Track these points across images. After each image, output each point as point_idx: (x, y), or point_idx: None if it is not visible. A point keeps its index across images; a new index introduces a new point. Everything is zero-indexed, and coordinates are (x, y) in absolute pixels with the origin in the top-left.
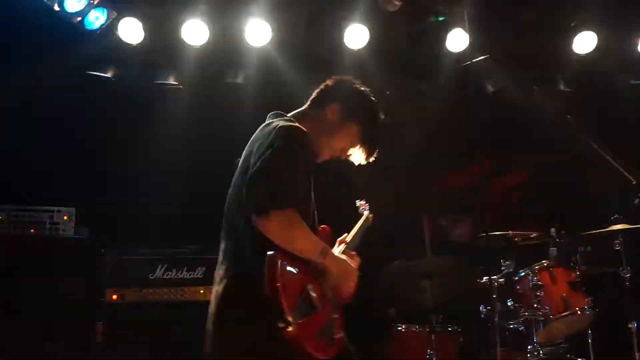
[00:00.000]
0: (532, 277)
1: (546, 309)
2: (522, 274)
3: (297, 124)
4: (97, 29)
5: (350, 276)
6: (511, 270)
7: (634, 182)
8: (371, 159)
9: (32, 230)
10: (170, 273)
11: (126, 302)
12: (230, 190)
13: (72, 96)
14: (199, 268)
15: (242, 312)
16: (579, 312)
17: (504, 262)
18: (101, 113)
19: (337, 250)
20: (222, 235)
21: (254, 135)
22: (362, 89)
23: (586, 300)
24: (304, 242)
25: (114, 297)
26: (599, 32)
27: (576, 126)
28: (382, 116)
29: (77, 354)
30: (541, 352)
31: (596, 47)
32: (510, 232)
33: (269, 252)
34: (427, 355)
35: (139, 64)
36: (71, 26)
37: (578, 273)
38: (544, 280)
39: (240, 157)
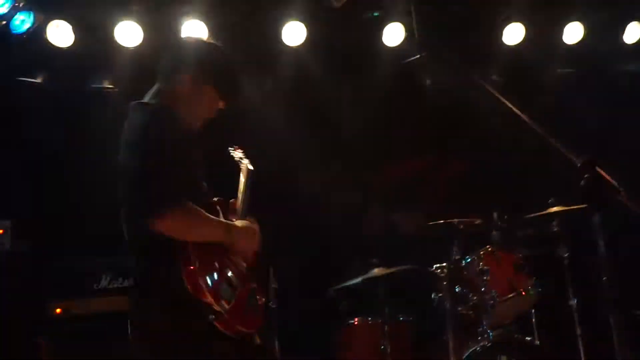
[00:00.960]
0: (478, 262)
1: (493, 293)
2: (469, 259)
3: (154, 109)
4: (23, 33)
5: (255, 237)
6: (458, 257)
7: (579, 164)
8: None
9: None
10: (116, 282)
11: (71, 315)
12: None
13: (1, 103)
14: None
15: (165, 315)
16: (524, 293)
17: (451, 250)
18: (33, 120)
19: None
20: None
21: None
22: (204, 47)
23: (530, 281)
24: (207, 228)
25: (58, 310)
26: (527, 23)
27: (518, 110)
28: (234, 66)
29: None
30: (491, 334)
31: (524, 38)
32: (455, 220)
33: (175, 252)
34: (381, 346)
35: (70, 68)
36: None
37: (520, 255)
38: (489, 264)
39: None
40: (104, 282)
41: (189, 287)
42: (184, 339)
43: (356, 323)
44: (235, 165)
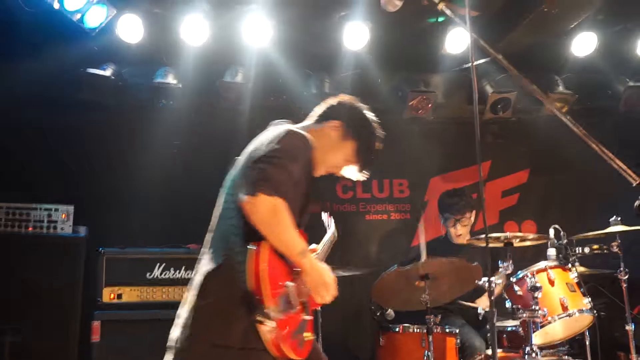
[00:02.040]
0: (530, 278)
1: (544, 311)
2: (521, 275)
3: (304, 133)
4: (96, 28)
5: (330, 286)
6: (509, 271)
7: (635, 184)
8: (362, 178)
9: (29, 229)
10: (168, 272)
11: (123, 302)
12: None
13: (70, 94)
14: None
15: (217, 305)
16: (577, 314)
17: (502, 263)
18: (100, 112)
19: None
20: (209, 228)
21: (258, 135)
22: (365, 112)
23: (584, 301)
24: (287, 234)
25: (111, 296)
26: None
27: (578, 126)
28: (380, 144)
29: (74, 353)
30: (539, 354)
31: (596, 48)
32: (508, 233)
33: (252, 244)
34: (425, 357)
35: (137, 63)
36: (71, 24)
37: (576, 274)
38: (542, 281)
39: (239, 156)
40: (156, 272)
41: (251, 280)
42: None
43: (400, 331)
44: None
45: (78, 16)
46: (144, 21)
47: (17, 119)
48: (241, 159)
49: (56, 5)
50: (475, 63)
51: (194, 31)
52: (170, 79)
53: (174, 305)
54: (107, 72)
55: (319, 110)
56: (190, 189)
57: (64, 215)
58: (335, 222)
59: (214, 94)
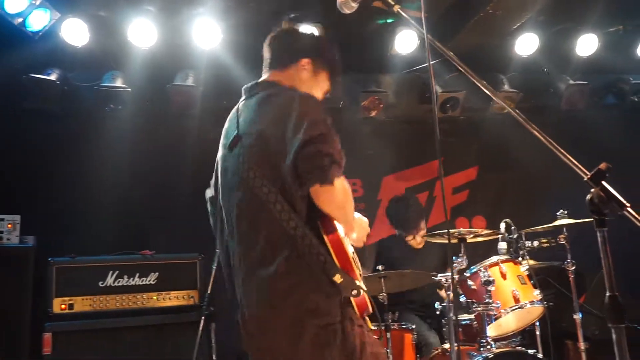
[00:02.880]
0: (484, 272)
1: (497, 304)
2: (474, 269)
3: (306, 92)
4: (39, 31)
5: (365, 229)
6: (463, 266)
7: (586, 178)
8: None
9: None
10: (122, 280)
11: (75, 312)
12: (221, 183)
13: (15, 100)
14: (152, 274)
15: (299, 283)
16: (528, 305)
17: (456, 259)
18: (46, 117)
19: None
20: (223, 234)
21: (240, 110)
22: (318, 36)
23: (535, 293)
24: (351, 207)
25: (62, 306)
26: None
27: (529, 122)
28: (336, 53)
29: None
30: (494, 346)
31: (538, 48)
32: (462, 229)
33: (319, 226)
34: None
35: (84, 67)
36: (12, 28)
37: (527, 267)
38: (494, 275)
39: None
40: (109, 280)
41: (339, 263)
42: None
43: None
44: None
45: (19, 20)
46: (90, 24)
47: None
48: (249, 143)
49: None
50: (431, 63)
51: (141, 34)
52: (119, 83)
53: (128, 313)
54: (52, 77)
55: (277, 54)
56: (141, 195)
57: (9, 225)
58: None
59: (164, 98)
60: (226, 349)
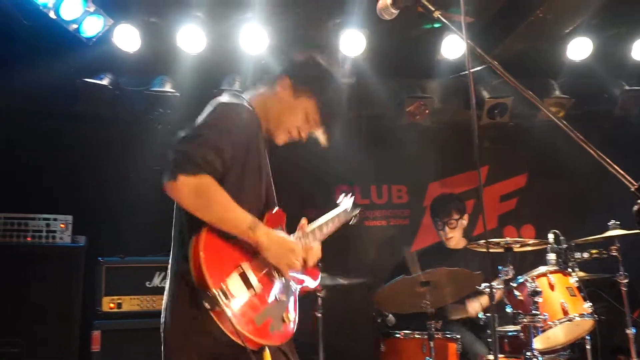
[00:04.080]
0: (531, 283)
1: (545, 315)
2: (521, 280)
3: (239, 102)
4: (93, 37)
5: (291, 253)
6: (509, 276)
7: (633, 188)
8: (326, 134)
9: (28, 239)
10: None
11: (123, 311)
12: None
13: (68, 104)
14: None
15: (178, 301)
16: (577, 318)
17: (502, 269)
18: (98, 120)
19: (295, 235)
20: None
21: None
22: (313, 57)
23: (585, 306)
24: (225, 211)
25: (111, 305)
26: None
27: (574, 131)
28: (338, 81)
29: None
30: (540, 358)
31: (591, 53)
32: (508, 238)
33: (196, 233)
34: None
35: (134, 72)
36: (67, 34)
37: (577, 279)
38: (542, 286)
39: None
40: (156, 280)
41: (192, 270)
42: (183, 325)
43: (401, 337)
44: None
45: (75, 26)
46: (141, 30)
47: (14, 130)
48: None
49: (53, 16)
50: (472, 70)
51: (190, 40)
52: (168, 87)
53: None
54: (104, 82)
55: (265, 70)
56: None
57: (62, 225)
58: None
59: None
60: None
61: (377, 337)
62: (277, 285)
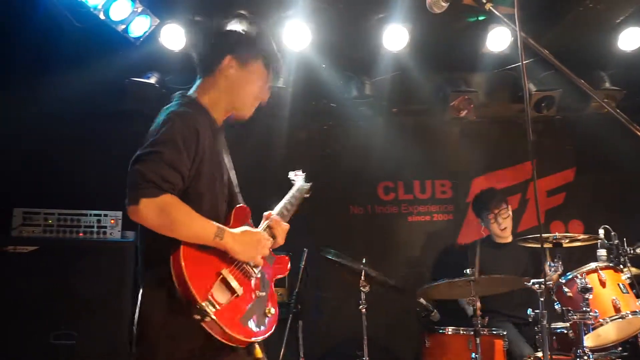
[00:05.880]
0: (581, 279)
1: (595, 312)
2: (570, 276)
3: (188, 109)
4: (140, 37)
5: (258, 243)
6: (559, 272)
7: None
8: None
9: (80, 234)
10: None
11: None
12: None
13: (116, 102)
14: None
15: (160, 316)
16: (630, 316)
17: (551, 264)
18: (145, 119)
19: (261, 226)
20: None
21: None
22: (240, 27)
23: (638, 303)
24: (190, 227)
25: None
26: None
27: (632, 123)
28: (260, 27)
29: (124, 357)
30: (591, 356)
31: None
32: (557, 233)
33: (171, 252)
34: (472, 359)
35: (180, 70)
36: (115, 34)
37: (629, 275)
38: (592, 282)
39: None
40: None
41: (177, 285)
42: (169, 336)
43: (448, 332)
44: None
45: (122, 27)
46: (186, 29)
47: (64, 128)
48: None
49: (102, 17)
50: (524, 62)
51: None
52: None
53: None
54: (152, 80)
55: (200, 61)
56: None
57: (112, 221)
58: (377, 224)
59: None
60: (313, 346)
61: (421, 333)
62: (254, 282)
